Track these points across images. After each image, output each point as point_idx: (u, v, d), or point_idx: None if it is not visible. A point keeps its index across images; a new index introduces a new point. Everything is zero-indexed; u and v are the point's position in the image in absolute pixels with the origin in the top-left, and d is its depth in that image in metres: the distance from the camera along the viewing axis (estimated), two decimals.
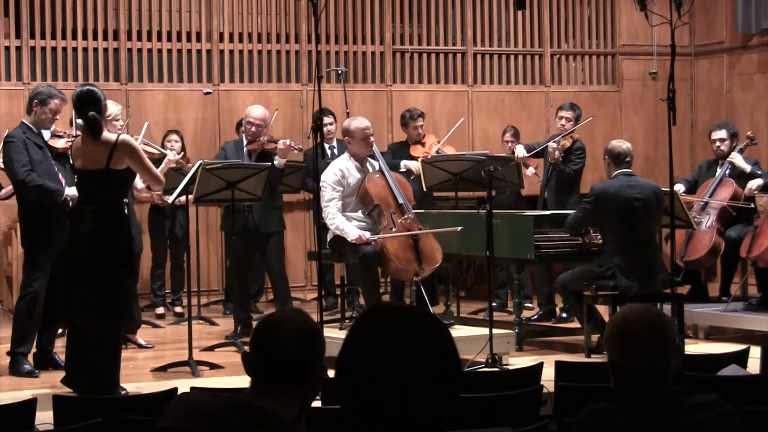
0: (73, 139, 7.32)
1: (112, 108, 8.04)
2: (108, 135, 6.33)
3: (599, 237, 7.94)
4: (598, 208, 7.67)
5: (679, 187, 9.06)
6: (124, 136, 6.42)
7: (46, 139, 7.41)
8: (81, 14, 10.84)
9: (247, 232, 8.72)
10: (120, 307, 6.30)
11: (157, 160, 8.21)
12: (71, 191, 7.10)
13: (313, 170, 7.60)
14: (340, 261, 8.52)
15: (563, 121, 9.59)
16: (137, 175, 6.66)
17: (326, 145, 9.86)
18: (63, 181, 7.31)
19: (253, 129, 8.81)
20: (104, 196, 6.31)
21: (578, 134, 9.60)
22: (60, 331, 8.71)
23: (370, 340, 2.14)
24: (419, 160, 9.67)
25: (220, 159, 8.80)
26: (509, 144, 10.27)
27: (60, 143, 7.52)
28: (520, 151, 9.62)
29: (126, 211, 6.43)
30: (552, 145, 9.40)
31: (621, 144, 7.96)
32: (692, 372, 4.94)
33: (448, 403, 2.13)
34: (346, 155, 8.00)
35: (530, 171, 9.81)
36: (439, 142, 10.24)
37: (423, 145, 10.22)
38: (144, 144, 8.23)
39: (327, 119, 9.95)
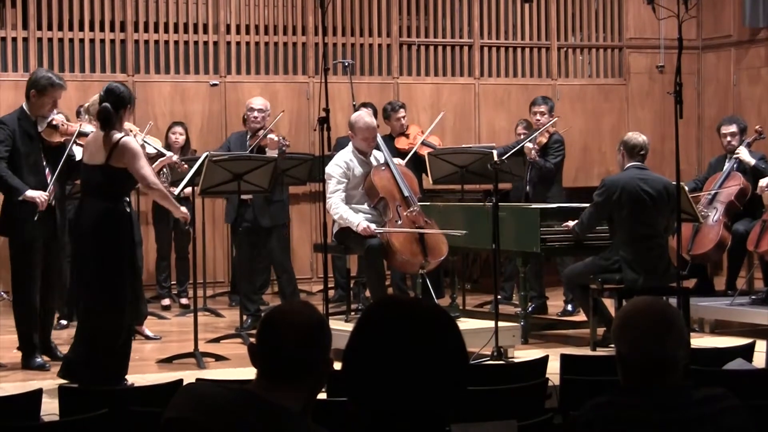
0: (71, 134, 7.17)
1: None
2: (115, 134, 6.34)
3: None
4: (609, 198, 7.66)
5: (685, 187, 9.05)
6: (126, 139, 6.37)
7: (41, 129, 7.11)
8: (88, 5, 10.83)
9: (250, 225, 8.72)
10: (120, 300, 6.34)
11: (153, 158, 8.20)
12: (32, 194, 6.90)
13: (320, 164, 7.59)
14: (346, 253, 8.53)
15: (538, 116, 9.54)
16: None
17: None
18: (49, 178, 7.07)
19: (256, 115, 8.85)
20: (106, 190, 6.37)
21: (555, 127, 9.56)
22: (63, 322, 8.72)
23: (377, 333, 2.14)
24: (426, 154, 9.66)
25: (224, 150, 8.79)
26: (521, 137, 10.19)
27: (54, 136, 7.16)
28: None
29: (127, 207, 6.43)
30: (528, 145, 9.28)
31: (637, 137, 7.94)
32: (698, 366, 4.94)
33: (455, 396, 2.13)
34: (350, 147, 7.99)
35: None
36: (423, 133, 10.22)
37: (407, 136, 10.21)
38: (144, 143, 8.17)
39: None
